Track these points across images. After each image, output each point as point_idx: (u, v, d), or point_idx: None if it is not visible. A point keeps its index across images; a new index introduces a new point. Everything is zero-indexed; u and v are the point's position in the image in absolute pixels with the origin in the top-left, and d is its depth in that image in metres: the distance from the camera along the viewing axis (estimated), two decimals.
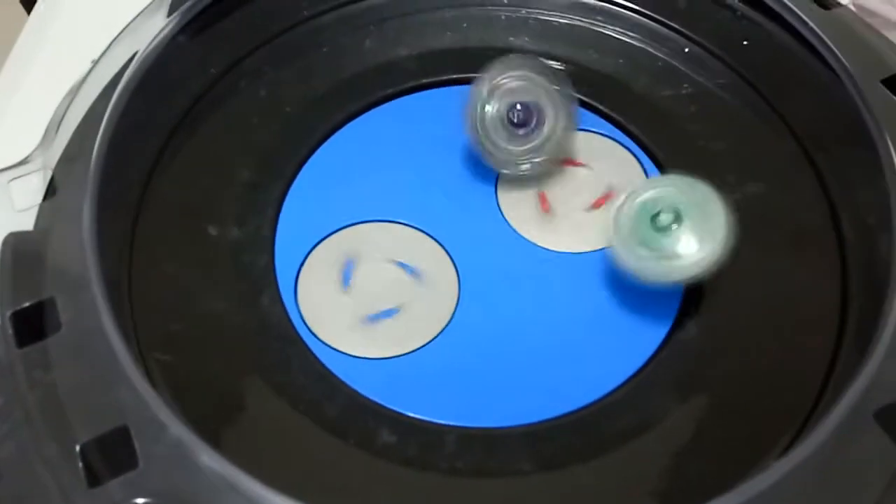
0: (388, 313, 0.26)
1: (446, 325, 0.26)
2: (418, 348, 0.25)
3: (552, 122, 0.26)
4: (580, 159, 0.29)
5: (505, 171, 0.28)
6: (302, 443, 0.23)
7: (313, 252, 0.27)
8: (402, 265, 0.27)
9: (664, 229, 0.23)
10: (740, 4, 0.30)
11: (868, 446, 0.19)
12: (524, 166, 0.27)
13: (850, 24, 0.27)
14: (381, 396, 0.24)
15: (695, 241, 0.23)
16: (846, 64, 0.25)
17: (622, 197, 0.24)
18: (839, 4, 0.27)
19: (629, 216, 0.24)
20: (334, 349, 0.25)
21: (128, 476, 0.18)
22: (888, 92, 0.25)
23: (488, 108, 0.26)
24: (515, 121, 0.26)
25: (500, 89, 0.26)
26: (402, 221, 0.28)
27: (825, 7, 0.27)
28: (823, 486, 0.19)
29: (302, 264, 0.27)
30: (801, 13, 0.27)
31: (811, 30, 0.26)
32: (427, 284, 0.26)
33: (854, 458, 0.19)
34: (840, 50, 0.25)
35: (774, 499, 0.18)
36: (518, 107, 0.26)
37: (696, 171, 0.28)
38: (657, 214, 0.24)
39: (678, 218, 0.23)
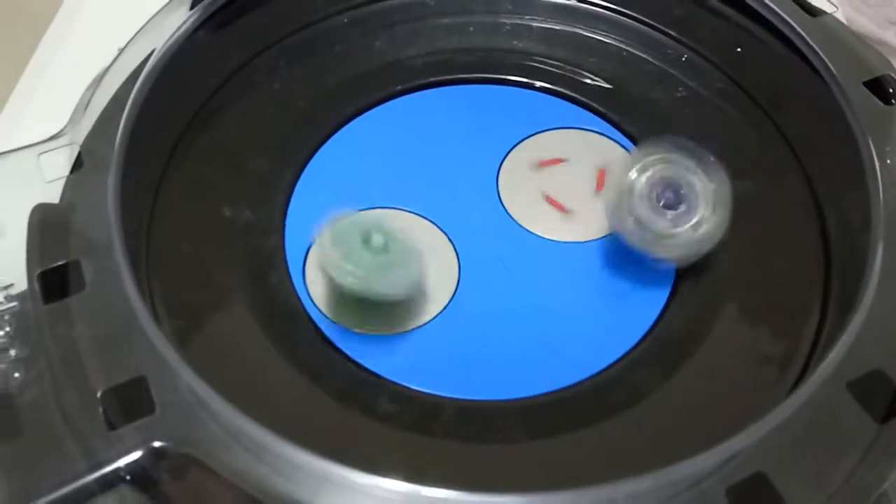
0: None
1: (446, 306, 0.27)
2: (419, 326, 0.27)
3: (702, 211, 0.25)
4: (568, 156, 0.30)
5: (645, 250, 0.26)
6: (306, 406, 0.24)
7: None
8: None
9: (375, 250, 0.24)
10: (734, 12, 0.31)
11: (843, 417, 0.20)
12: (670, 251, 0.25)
13: (836, 31, 0.28)
14: (383, 369, 0.25)
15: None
16: (831, 67, 0.27)
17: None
18: (825, 12, 0.29)
19: (340, 232, 0.24)
20: (337, 324, 0.26)
21: (145, 421, 0.19)
22: (870, 94, 0.26)
23: (638, 183, 0.25)
24: (663, 202, 0.25)
25: (652, 168, 0.25)
26: (406, 209, 0.29)
27: (812, 14, 0.29)
28: (799, 454, 0.20)
29: (310, 246, 0.28)
30: (790, 20, 0.28)
31: (799, 35, 0.28)
32: (427, 256, 0.27)
33: (829, 428, 0.20)
34: (825, 54, 0.27)
35: (748, 462, 0.19)
36: (669, 190, 0.25)
37: None
38: (369, 237, 0.24)
39: (387, 242, 0.24)
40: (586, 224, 0.29)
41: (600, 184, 0.30)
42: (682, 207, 0.25)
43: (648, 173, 0.25)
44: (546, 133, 0.32)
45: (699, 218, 0.24)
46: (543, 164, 0.30)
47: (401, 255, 0.25)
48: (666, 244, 0.25)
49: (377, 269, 0.24)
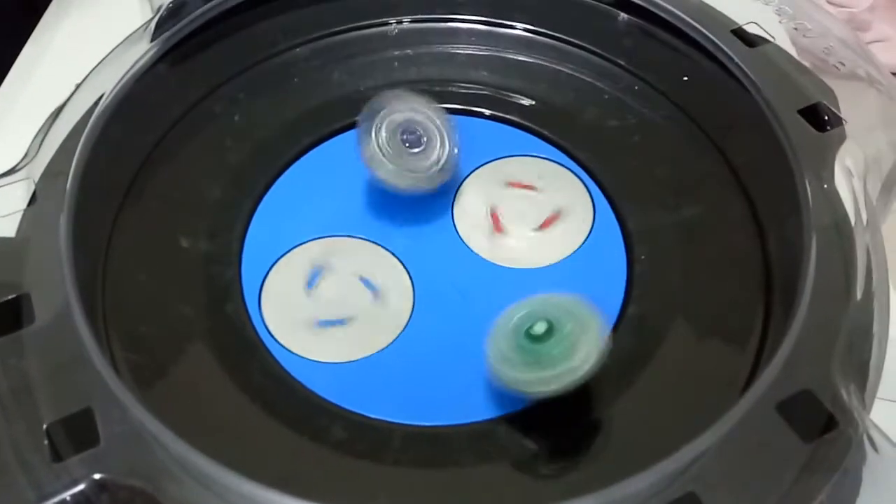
0: (340, 322, 0.28)
1: (400, 334, 0.28)
2: (371, 354, 0.27)
3: (440, 143, 0.29)
4: (529, 182, 0.31)
5: (407, 187, 0.29)
6: (259, 436, 0.24)
7: (277, 264, 0.29)
8: (364, 281, 0.29)
9: (539, 338, 0.23)
10: (680, 44, 0.32)
11: (773, 437, 0.21)
12: (424, 182, 0.29)
13: (774, 60, 0.29)
14: (336, 397, 0.26)
15: (570, 350, 0.23)
16: (766, 96, 0.28)
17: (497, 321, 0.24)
18: (765, 41, 0.30)
19: (506, 333, 0.24)
20: (293, 353, 0.27)
21: (89, 453, 0.20)
22: (804, 121, 0.27)
23: (383, 135, 0.28)
24: (408, 143, 0.29)
25: (389, 118, 0.29)
26: (362, 237, 0.30)
27: (751, 45, 0.30)
28: (730, 475, 0.20)
29: (266, 276, 0.29)
30: (729, 51, 0.29)
31: (737, 65, 0.29)
32: (382, 303, 0.28)
33: (760, 448, 0.21)
34: (762, 83, 0.28)
35: (680, 484, 0.20)
36: (409, 130, 0.29)
37: (637, 195, 0.31)
38: (531, 326, 0.23)
39: (551, 328, 0.23)
40: (539, 250, 0.30)
41: (547, 223, 0.30)
42: (423, 145, 0.29)
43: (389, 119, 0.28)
44: (500, 160, 0.32)
45: (437, 153, 0.29)
46: (512, 185, 0.31)
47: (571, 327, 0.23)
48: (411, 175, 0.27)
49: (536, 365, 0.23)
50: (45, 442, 0.20)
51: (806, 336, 0.22)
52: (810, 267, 0.23)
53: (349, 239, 0.30)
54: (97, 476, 0.19)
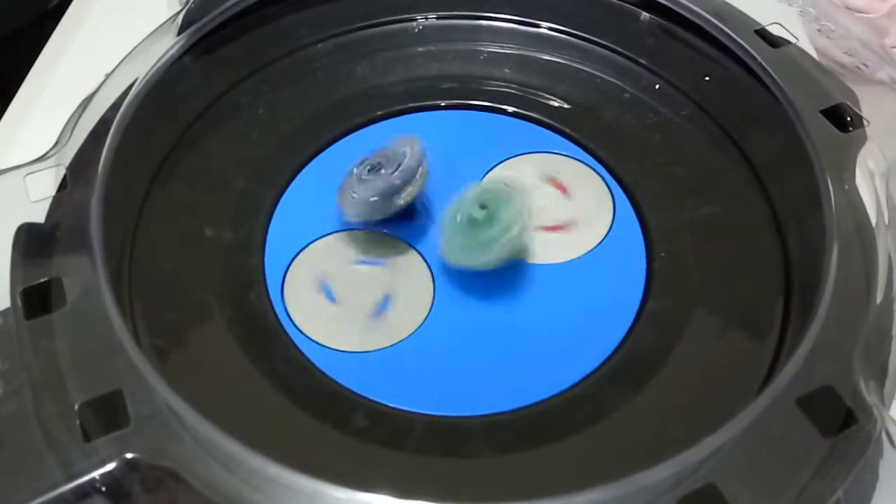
0: (360, 312, 0.28)
1: (420, 325, 0.28)
2: (392, 345, 0.27)
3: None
4: (563, 183, 0.31)
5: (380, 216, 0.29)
6: (281, 422, 0.25)
7: (300, 255, 0.30)
8: (372, 262, 0.29)
9: (474, 221, 0.27)
10: (703, 44, 0.32)
11: (793, 432, 0.21)
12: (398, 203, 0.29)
13: (797, 61, 0.29)
14: (357, 386, 0.26)
15: (498, 227, 0.27)
16: (789, 96, 0.28)
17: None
18: (788, 42, 0.30)
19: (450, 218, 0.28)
20: (315, 342, 0.27)
21: (119, 433, 0.20)
22: (827, 122, 0.27)
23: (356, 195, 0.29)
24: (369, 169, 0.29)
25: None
26: (383, 231, 0.30)
27: (774, 45, 0.30)
28: (750, 467, 0.21)
29: (289, 266, 0.29)
30: (753, 51, 0.29)
31: (760, 66, 0.29)
32: (403, 295, 0.28)
33: (780, 442, 0.21)
34: (785, 83, 0.28)
35: (701, 475, 0.20)
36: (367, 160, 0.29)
37: (658, 193, 0.31)
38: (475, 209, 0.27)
39: (485, 210, 0.27)
40: (558, 245, 0.30)
41: (555, 228, 0.30)
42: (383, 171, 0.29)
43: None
44: (521, 157, 0.33)
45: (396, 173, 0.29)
46: (550, 183, 0.31)
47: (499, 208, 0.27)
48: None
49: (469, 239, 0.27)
50: (77, 422, 0.20)
51: (826, 332, 0.22)
52: (832, 265, 0.24)
53: (370, 232, 0.30)
54: (128, 456, 0.20)
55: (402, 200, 0.29)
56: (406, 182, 0.29)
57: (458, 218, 0.27)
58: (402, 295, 0.28)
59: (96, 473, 0.20)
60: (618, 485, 0.19)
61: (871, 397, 0.21)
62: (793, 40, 0.30)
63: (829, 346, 0.22)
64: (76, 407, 0.21)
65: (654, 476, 0.19)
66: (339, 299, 0.28)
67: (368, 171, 0.29)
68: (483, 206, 0.27)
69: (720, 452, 0.20)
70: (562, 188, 0.31)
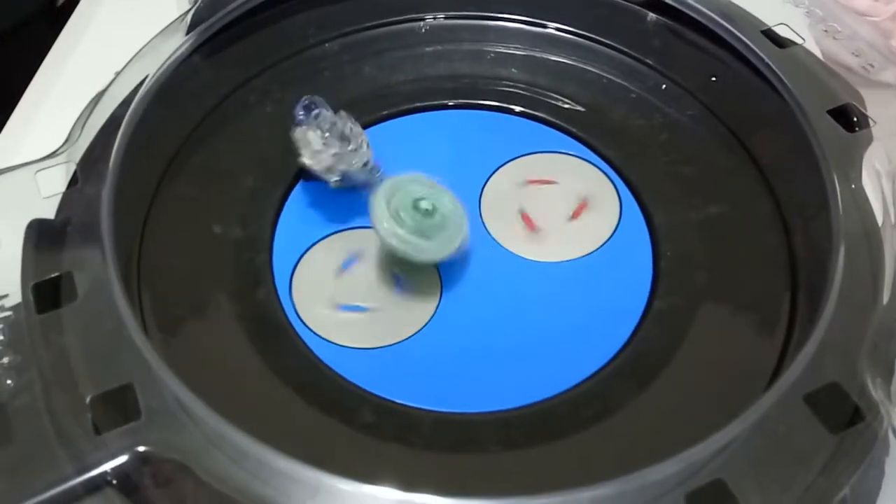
0: (368, 310, 0.28)
1: (427, 323, 0.28)
2: (400, 342, 0.27)
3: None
4: (548, 178, 0.32)
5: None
6: (288, 417, 0.25)
7: (308, 252, 0.30)
8: (391, 270, 0.29)
9: (427, 214, 0.27)
10: (709, 44, 0.33)
11: (800, 428, 0.21)
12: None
13: (804, 61, 0.30)
14: (365, 382, 0.26)
15: (446, 226, 0.27)
16: (796, 96, 0.28)
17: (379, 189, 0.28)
18: (794, 43, 0.30)
19: (395, 203, 0.27)
20: (323, 338, 0.27)
21: (131, 426, 0.20)
22: (834, 122, 0.27)
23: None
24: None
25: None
26: None
27: (781, 46, 0.30)
28: (757, 463, 0.21)
29: (297, 264, 0.29)
30: (760, 52, 0.30)
31: (767, 66, 0.29)
32: (410, 293, 0.28)
33: (787, 438, 0.21)
34: (792, 84, 0.28)
35: (708, 471, 0.20)
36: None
37: (664, 192, 0.31)
38: (419, 201, 0.27)
39: (435, 208, 0.27)
40: (564, 244, 0.30)
41: (577, 213, 0.31)
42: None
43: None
44: (528, 157, 0.33)
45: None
46: (531, 182, 0.31)
47: (442, 222, 0.27)
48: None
49: (419, 233, 0.27)
50: (88, 415, 0.20)
51: (834, 330, 0.22)
52: (839, 263, 0.24)
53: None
54: (140, 449, 0.20)
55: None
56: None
57: (407, 209, 0.27)
58: (410, 293, 0.29)
59: (107, 466, 0.20)
60: (626, 480, 0.19)
61: (877, 394, 0.21)
62: (799, 41, 0.30)
63: (836, 343, 0.22)
64: (87, 400, 0.21)
65: (662, 471, 0.19)
66: (347, 297, 0.29)
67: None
68: (423, 203, 0.27)
69: (728, 448, 0.20)
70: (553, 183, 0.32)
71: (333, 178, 0.29)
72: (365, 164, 0.30)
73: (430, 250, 0.27)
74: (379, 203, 0.27)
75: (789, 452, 0.21)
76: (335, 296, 0.28)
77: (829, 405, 0.21)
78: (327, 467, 0.20)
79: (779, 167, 0.30)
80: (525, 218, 0.31)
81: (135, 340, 0.22)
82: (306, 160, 0.29)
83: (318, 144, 0.29)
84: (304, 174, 0.31)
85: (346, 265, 0.29)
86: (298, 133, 0.29)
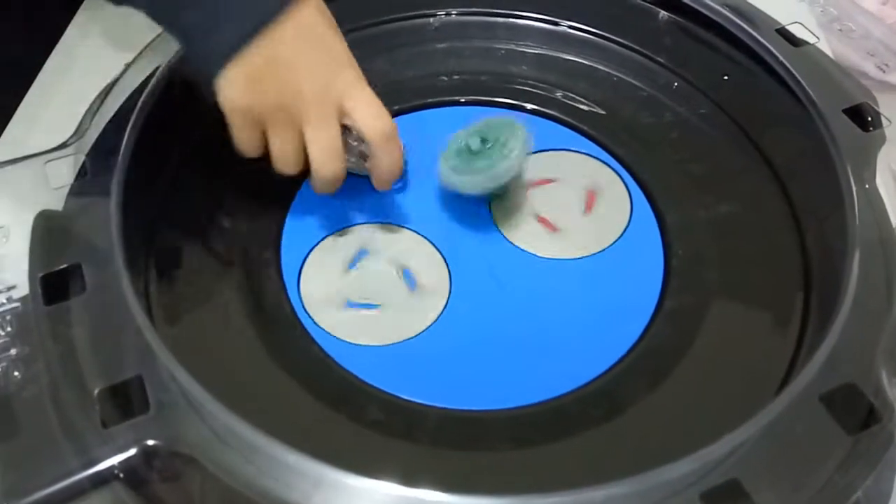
0: (376, 306, 0.28)
1: (435, 320, 0.28)
2: (407, 339, 0.27)
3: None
4: (558, 176, 0.31)
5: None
6: (296, 412, 0.25)
7: (316, 248, 0.29)
8: (401, 267, 0.29)
9: (476, 152, 0.29)
10: (721, 43, 0.32)
11: (816, 428, 0.21)
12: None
13: (818, 61, 0.29)
14: (373, 378, 0.26)
15: (496, 157, 0.28)
16: (812, 95, 0.28)
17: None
18: (807, 43, 0.30)
19: (451, 148, 0.29)
20: (331, 335, 0.27)
21: (140, 419, 0.20)
22: (850, 121, 0.27)
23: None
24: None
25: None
26: (400, 224, 0.30)
27: (795, 45, 0.30)
28: (772, 463, 0.20)
29: (305, 258, 0.29)
30: (774, 50, 0.29)
31: (782, 64, 0.29)
32: (419, 290, 0.28)
33: (803, 438, 0.21)
34: (807, 83, 0.28)
35: (723, 470, 0.20)
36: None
37: (675, 190, 0.31)
38: (473, 138, 0.29)
39: (484, 142, 0.29)
40: (574, 241, 0.30)
41: (589, 205, 0.31)
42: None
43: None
44: (537, 154, 0.32)
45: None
46: (535, 185, 0.31)
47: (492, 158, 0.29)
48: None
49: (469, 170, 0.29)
50: (96, 408, 0.20)
51: (849, 330, 0.22)
52: (854, 263, 0.23)
53: (387, 226, 0.30)
54: (149, 442, 0.19)
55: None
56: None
57: (461, 143, 0.29)
58: (419, 290, 0.28)
59: (115, 460, 0.20)
60: (641, 478, 0.19)
61: (893, 394, 0.21)
62: (813, 40, 0.30)
63: (851, 344, 0.22)
64: (95, 393, 0.20)
65: (677, 470, 0.19)
66: (356, 293, 0.28)
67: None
68: (483, 138, 0.29)
69: (744, 448, 0.20)
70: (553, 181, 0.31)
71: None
72: None
73: (478, 184, 0.29)
74: (448, 148, 0.29)
75: (805, 452, 0.20)
76: (343, 292, 0.28)
77: (845, 406, 0.21)
78: (335, 462, 0.20)
79: (791, 166, 0.30)
80: (546, 223, 0.30)
81: (144, 333, 0.21)
82: None
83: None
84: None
85: (355, 261, 0.29)
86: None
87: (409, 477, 0.20)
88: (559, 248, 0.30)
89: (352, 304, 0.28)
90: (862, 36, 0.30)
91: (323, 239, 0.30)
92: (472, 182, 0.29)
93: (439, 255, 0.29)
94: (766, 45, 0.30)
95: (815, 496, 0.20)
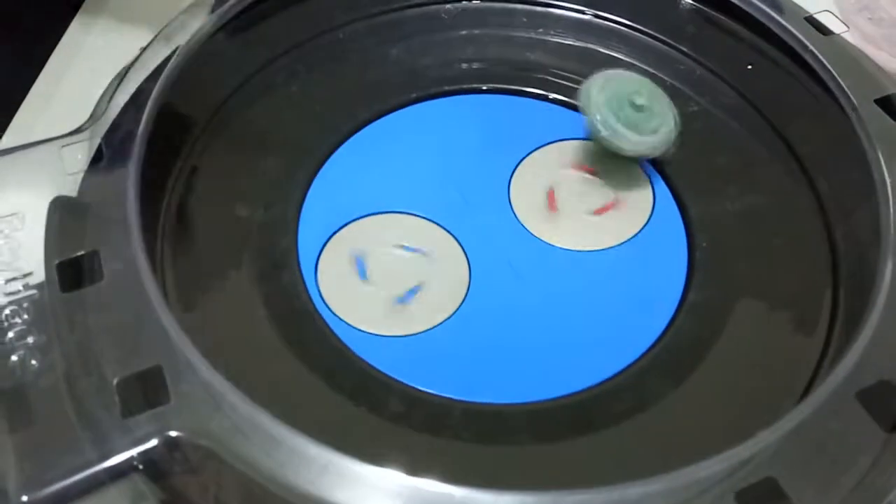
0: (395, 296, 0.27)
1: (456, 311, 0.27)
2: (427, 329, 0.27)
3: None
4: (591, 167, 0.31)
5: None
6: (315, 404, 0.24)
7: (334, 237, 0.29)
8: (412, 249, 0.28)
9: (640, 108, 0.28)
10: (746, 31, 0.32)
11: (852, 425, 0.20)
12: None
13: (847, 49, 0.29)
14: (393, 370, 0.26)
15: (658, 122, 0.29)
16: (843, 85, 0.27)
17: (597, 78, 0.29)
18: (835, 32, 0.29)
19: (609, 95, 0.29)
20: (350, 325, 0.27)
21: (161, 410, 0.20)
22: (881, 111, 0.27)
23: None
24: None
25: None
26: (418, 213, 0.30)
27: (824, 33, 0.29)
28: (809, 461, 0.20)
29: (323, 247, 0.29)
30: (803, 38, 0.29)
31: (811, 53, 0.28)
32: (438, 280, 0.27)
33: (839, 436, 0.20)
34: (837, 72, 0.27)
35: (759, 468, 0.19)
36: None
37: (698, 182, 0.30)
38: (634, 94, 0.28)
39: (649, 104, 0.29)
40: (597, 233, 0.29)
41: (603, 210, 0.30)
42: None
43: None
44: (561, 143, 0.32)
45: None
46: (574, 169, 0.31)
47: (653, 117, 0.29)
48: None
49: (632, 127, 0.29)
50: (115, 398, 0.20)
51: (884, 325, 0.22)
52: (888, 259, 0.23)
53: (405, 216, 0.30)
54: (172, 433, 0.19)
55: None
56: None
57: (620, 95, 0.28)
58: (438, 281, 0.28)
59: (134, 451, 0.19)
60: (675, 476, 0.18)
61: None
62: (842, 29, 0.29)
63: (886, 339, 0.22)
64: (115, 382, 0.20)
65: (712, 467, 0.19)
66: (374, 282, 0.28)
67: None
68: (638, 98, 0.28)
69: (779, 445, 0.19)
70: (593, 174, 0.31)
71: None
72: None
73: (642, 144, 0.29)
74: (593, 93, 0.28)
75: (841, 450, 0.20)
76: (362, 282, 0.28)
77: (882, 402, 0.20)
78: (357, 456, 0.19)
79: (819, 157, 0.29)
80: (551, 198, 0.30)
81: (163, 322, 0.21)
82: None
83: None
84: None
85: (373, 251, 0.29)
86: None
87: (430, 470, 0.20)
88: (581, 240, 0.29)
89: (377, 297, 0.27)
90: (893, 25, 0.29)
91: (341, 228, 0.29)
92: (642, 143, 0.28)
93: (458, 245, 0.29)
94: (794, 34, 0.29)
95: (848, 496, 0.20)
